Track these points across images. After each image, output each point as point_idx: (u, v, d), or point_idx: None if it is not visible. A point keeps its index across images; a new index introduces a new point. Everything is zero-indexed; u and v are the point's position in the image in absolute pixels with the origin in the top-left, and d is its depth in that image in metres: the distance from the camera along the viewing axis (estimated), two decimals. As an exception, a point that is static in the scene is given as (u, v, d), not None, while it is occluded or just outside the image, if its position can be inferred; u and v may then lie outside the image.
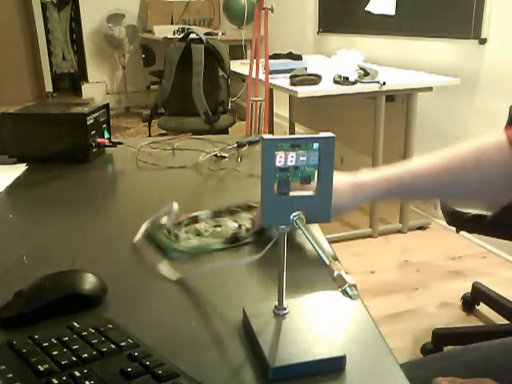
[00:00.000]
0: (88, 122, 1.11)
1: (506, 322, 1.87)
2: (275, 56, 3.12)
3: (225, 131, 3.38)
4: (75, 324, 0.51)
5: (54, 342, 0.48)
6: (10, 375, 0.43)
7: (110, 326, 0.51)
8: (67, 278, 0.59)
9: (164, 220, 0.75)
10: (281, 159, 0.48)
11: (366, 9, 3.17)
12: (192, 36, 3.26)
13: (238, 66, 3.23)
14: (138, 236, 0.74)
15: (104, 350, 0.47)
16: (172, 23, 5.22)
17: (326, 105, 3.14)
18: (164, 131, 3.58)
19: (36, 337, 0.49)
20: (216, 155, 1.13)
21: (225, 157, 1.13)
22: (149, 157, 1.16)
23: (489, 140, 0.76)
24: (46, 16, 5.70)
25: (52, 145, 1.11)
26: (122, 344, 0.48)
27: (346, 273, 0.44)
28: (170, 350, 0.49)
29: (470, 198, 1.04)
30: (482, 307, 2.02)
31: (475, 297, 2.03)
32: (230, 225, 0.77)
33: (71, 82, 6.11)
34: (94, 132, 1.14)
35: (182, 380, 0.43)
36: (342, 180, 0.76)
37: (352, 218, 2.83)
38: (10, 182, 1.00)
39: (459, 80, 2.47)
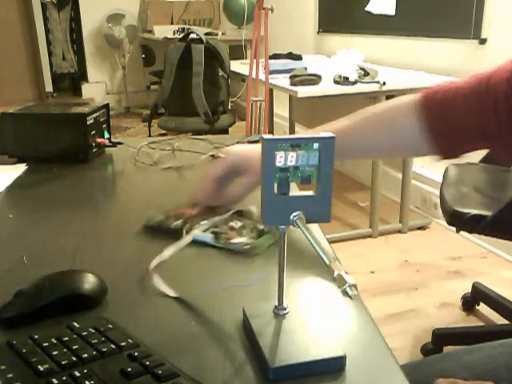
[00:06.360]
0: (88, 122, 1.11)
1: (506, 322, 1.87)
2: (275, 56, 3.13)
3: (225, 131, 3.38)
4: (75, 324, 0.51)
5: (54, 341, 0.48)
6: (10, 375, 0.43)
7: (110, 325, 0.51)
8: (67, 278, 0.59)
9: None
10: (281, 159, 0.48)
11: (365, 9, 3.17)
12: (192, 36, 3.26)
13: (238, 66, 3.23)
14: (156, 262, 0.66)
15: (104, 349, 0.47)
16: (172, 23, 5.21)
17: (325, 105, 3.13)
18: (164, 131, 3.58)
19: (36, 337, 0.49)
20: (213, 156, 1.14)
21: (223, 157, 1.13)
22: (148, 157, 1.16)
23: (402, 100, 0.78)
24: (46, 16, 5.70)
25: (52, 145, 1.11)
26: (122, 344, 0.48)
27: (345, 273, 0.44)
28: (169, 350, 0.49)
29: (380, 157, 1.09)
30: (482, 307, 2.02)
31: (475, 297, 2.03)
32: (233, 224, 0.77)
33: (71, 81, 6.11)
34: (94, 132, 1.14)
35: (181, 380, 0.43)
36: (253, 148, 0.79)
37: (352, 218, 2.83)
38: (10, 182, 1.00)
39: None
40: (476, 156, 1.78)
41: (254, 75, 2.43)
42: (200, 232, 0.72)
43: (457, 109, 0.74)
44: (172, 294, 0.60)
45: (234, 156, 0.79)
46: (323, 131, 0.76)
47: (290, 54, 3.18)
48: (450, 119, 0.74)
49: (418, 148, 0.78)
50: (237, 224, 0.75)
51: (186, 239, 0.67)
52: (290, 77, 2.43)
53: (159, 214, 0.79)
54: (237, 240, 0.71)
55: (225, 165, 0.79)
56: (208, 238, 0.72)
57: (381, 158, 1.78)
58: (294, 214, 0.49)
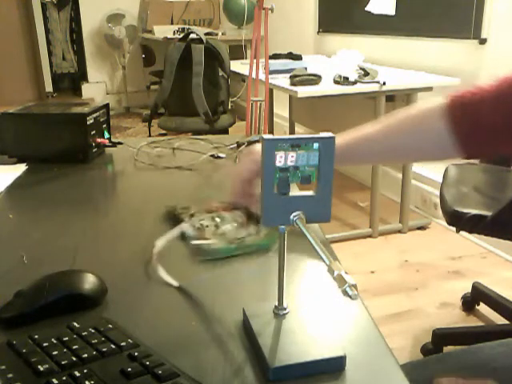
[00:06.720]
0: (88, 122, 1.11)
1: (506, 322, 1.87)
2: (275, 56, 3.13)
3: (225, 131, 3.37)
4: (75, 324, 0.51)
5: (54, 341, 0.48)
6: (10, 375, 0.43)
7: (110, 325, 0.51)
8: (67, 278, 0.59)
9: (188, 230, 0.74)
10: (281, 159, 0.48)
11: (365, 9, 3.17)
12: (192, 36, 3.26)
13: (238, 66, 3.23)
14: (156, 251, 0.68)
15: (104, 349, 0.47)
16: (172, 23, 5.21)
17: (325, 105, 3.14)
18: (164, 131, 3.58)
19: (36, 337, 0.49)
20: (213, 155, 1.14)
21: (222, 157, 1.13)
22: (148, 157, 1.16)
23: (429, 104, 0.80)
24: (46, 16, 5.70)
25: (52, 145, 1.11)
26: (122, 344, 0.48)
27: (345, 273, 0.44)
28: (169, 350, 0.49)
29: (409, 160, 1.14)
30: (482, 307, 2.02)
31: (475, 297, 2.03)
32: (230, 225, 0.76)
33: (71, 82, 6.11)
34: (94, 132, 1.14)
35: (182, 380, 0.43)
36: None
37: (352, 218, 2.83)
38: (10, 182, 1.00)
39: (459, 80, 2.47)
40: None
41: (254, 75, 2.43)
42: (188, 226, 0.72)
43: (484, 110, 0.75)
44: (174, 283, 0.62)
45: (258, 156, 0.79)
46: (350, 137, 0.77)
47: (290, 54, 3.18)
48: (479, 120, 0.76)
49: (445, 151, 0.79)
50: (232, 226, 0.75)
51: (175, 231, 0.70)
52: (290, 77, 2.43)
53: (183, 205, 0.80)
54: (203, 241, 0.71)
55: (249, 165, 0.78)
56: (191, 232, 0.73)
57: (408, 162, 1.82)
58: (294, 214, 0.49)
